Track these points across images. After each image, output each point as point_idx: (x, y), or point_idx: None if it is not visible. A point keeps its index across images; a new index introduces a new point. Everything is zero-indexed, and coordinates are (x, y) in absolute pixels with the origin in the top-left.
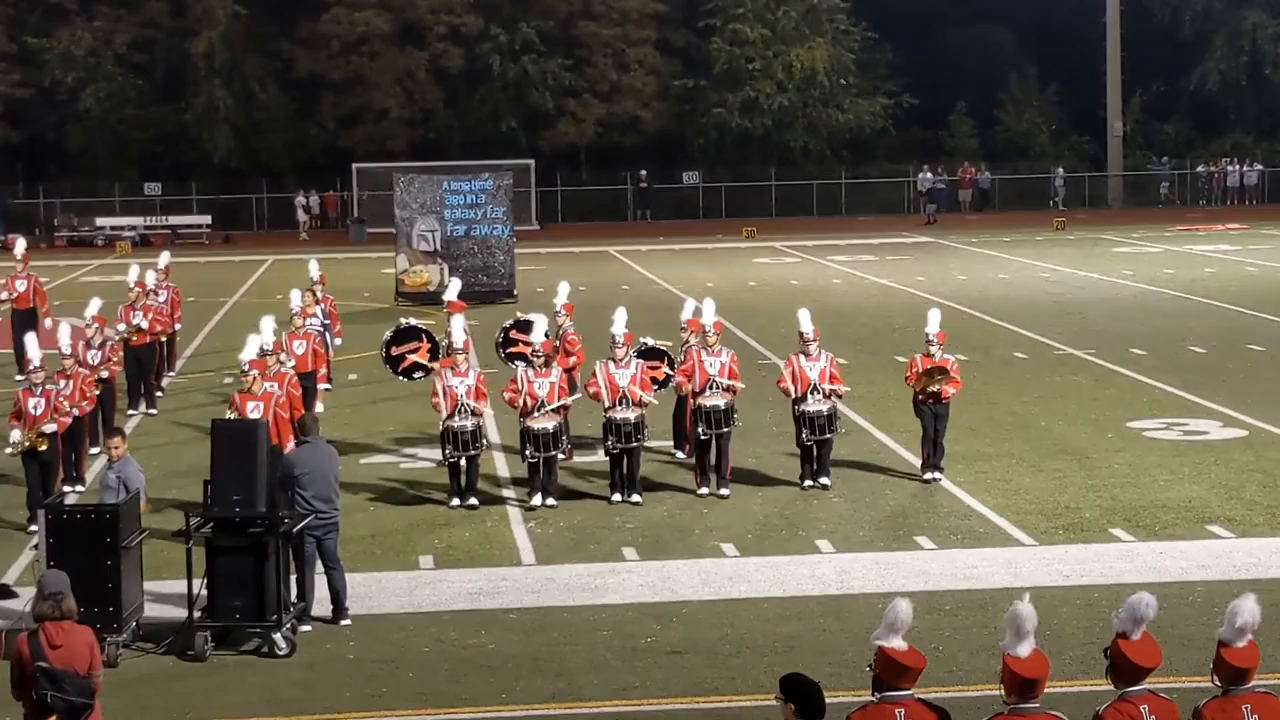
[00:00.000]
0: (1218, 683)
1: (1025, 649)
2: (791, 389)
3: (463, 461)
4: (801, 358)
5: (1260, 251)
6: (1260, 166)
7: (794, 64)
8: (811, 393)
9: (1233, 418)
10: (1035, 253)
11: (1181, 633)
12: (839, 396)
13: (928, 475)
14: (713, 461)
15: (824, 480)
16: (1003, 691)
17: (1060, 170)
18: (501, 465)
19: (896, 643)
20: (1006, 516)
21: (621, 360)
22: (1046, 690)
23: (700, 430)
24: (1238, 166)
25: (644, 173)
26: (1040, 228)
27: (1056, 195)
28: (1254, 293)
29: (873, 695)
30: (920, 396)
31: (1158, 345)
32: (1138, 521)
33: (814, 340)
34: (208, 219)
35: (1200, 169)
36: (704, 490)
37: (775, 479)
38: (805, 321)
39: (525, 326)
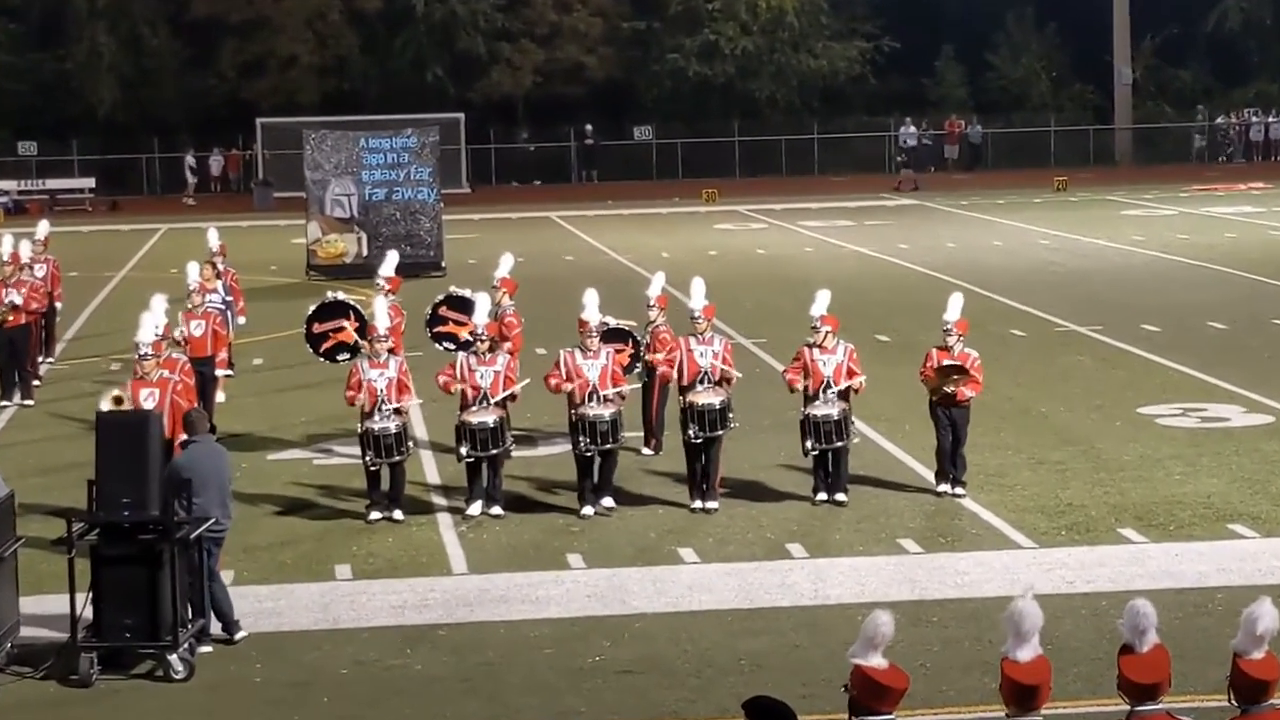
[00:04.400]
0: (1235, 701)
1: (1026, 653)
2: (800, 383)
3: (385, 469)
4: (815, 349)
5: None
6: None
7: (759, 3)
8: (824, 390)
9: (1257, 402)
10: (1033, 216)
11: (1199, 645)
12: (856, 391)
13: (942, 488)
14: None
15: (840, 497)
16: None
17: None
18: (431, 468)
19: (876, 660)
20: (1002, 516)
21: (592, 350)
22: (1049, 711)
23: (691, 432)
24: (1262, 117)
25: (589, 128)
26: (1039, 188)
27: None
28: None
29: (849, 719)
30: (934, 398)
31: (1172, 320)
32: (1150, 520)
33: (829, 328)
34: (91, 182)
35: (1220, 120)
36: (698, 504)
37: (750, 480)
38: (821, 305)
39: (458, 303)
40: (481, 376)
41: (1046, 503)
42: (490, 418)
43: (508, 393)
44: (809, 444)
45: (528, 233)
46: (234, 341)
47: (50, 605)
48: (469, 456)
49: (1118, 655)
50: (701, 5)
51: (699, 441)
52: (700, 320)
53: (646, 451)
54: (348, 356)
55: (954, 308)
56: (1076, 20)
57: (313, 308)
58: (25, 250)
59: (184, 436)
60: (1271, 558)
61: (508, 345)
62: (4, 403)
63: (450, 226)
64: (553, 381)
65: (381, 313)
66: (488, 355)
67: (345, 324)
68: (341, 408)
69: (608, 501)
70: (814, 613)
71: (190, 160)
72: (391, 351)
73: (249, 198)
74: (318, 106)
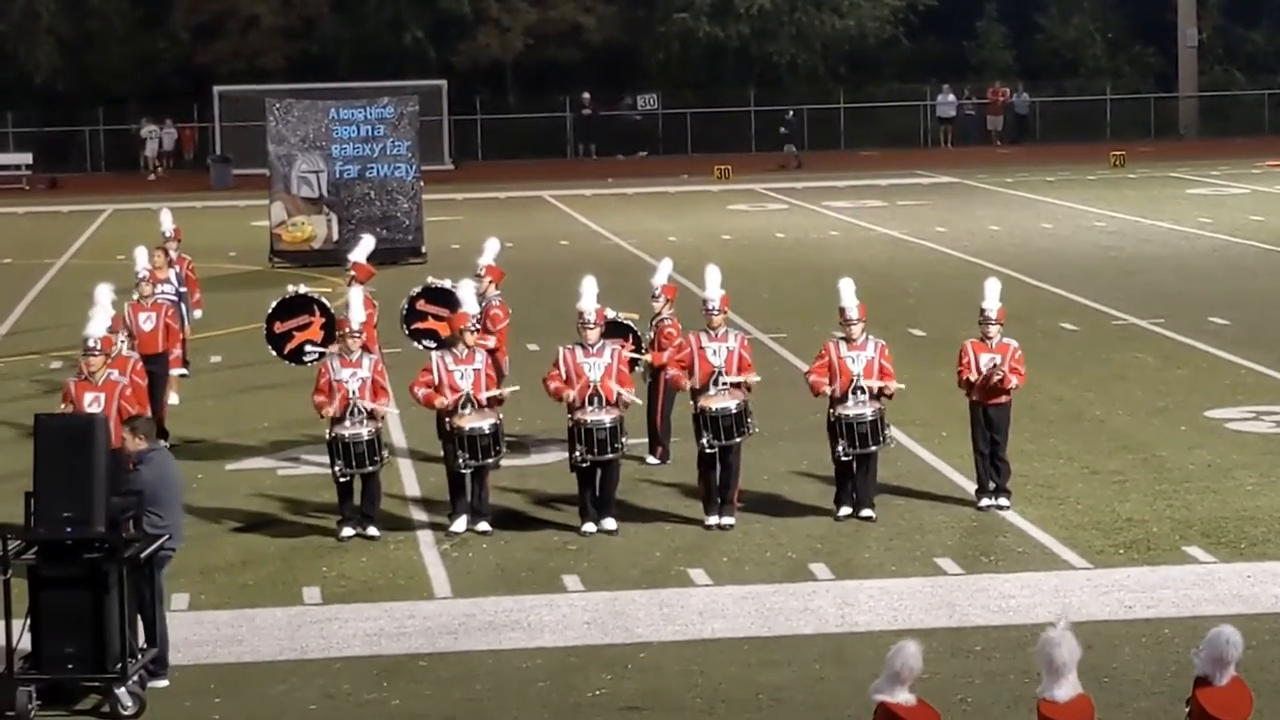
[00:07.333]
0: None
1: (1065, 690)
2: (827, 387)
3: (357, 480)
4: (842, 344)
5: None
6: None
7: None
8: (854, 392)
9: None
10: (1087, 195)
11: (1275, 678)
12: (889, 396)
13: (984, 501)
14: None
15: (866, 512)
16: None
17: None
18: (409, 479)
19: (903, 696)
20: (1052, 532)
21: (593, 346)
22: None
23: (705, 441)
24: None
25: (587, 96)
26: (1093, 163)
27: None
28: None
29: None
30: (973, 397)
31: (1244, 313)
32: (1219, 537)
33: (858, 321)
34: (28, 158)
35: None
36: (713, 520)
37: (768, 492)
38: (847, 295)
39: (437, 296)
40: (461, 377)
41: (1102, 517)
42: (487, 422)
43: (494, 393)
44: (841, 448)
45: (517, 214)
46: (189, 337)
47: None
48: (467, 466)
49: (1193, 688)
50: None
51: (713, 451)
52: (714, 313)
53: (652, 460)
54: (316, 356)
55: (993, 294)
56: None
57: (271, 305)
58: None
59: (143, 445)
60: None
61: (491, 341)
62: None
63: (431, 207)
64: (553, 385)
65: (356, 304)
66: (465, 353)
67: (312, 319)
68: (309, 411)
69: (610, 523)
70: (840, 641)
71: (157, 129)
72: (365, 349)
73: (205, 175)
74: (283, 73)
